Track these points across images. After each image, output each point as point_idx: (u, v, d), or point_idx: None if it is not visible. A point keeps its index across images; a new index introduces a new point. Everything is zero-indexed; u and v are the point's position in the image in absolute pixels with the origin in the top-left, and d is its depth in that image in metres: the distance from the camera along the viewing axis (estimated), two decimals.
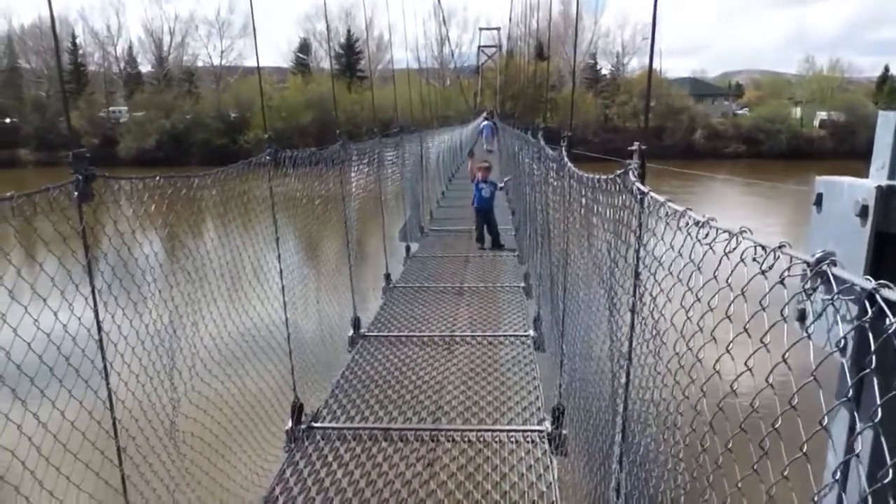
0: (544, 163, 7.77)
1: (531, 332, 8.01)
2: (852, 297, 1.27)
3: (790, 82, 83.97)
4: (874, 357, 1.19)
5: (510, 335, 8.10)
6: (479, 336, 8.09)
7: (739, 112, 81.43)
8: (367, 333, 8.22)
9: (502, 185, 15.56)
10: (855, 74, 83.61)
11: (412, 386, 6.65)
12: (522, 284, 10.28)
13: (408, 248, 13.32)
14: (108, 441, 3.20)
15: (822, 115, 73.18)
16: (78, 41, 74.78)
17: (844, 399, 1.29)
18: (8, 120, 67.14)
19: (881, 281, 1.17)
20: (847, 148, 66.01)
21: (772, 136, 69.10)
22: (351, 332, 8.03)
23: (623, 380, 3.25)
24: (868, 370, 1.20)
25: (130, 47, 78.36)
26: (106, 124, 68.00)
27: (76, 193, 2.88)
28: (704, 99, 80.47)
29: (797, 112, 74.49)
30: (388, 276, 10.64)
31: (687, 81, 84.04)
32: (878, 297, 1.16)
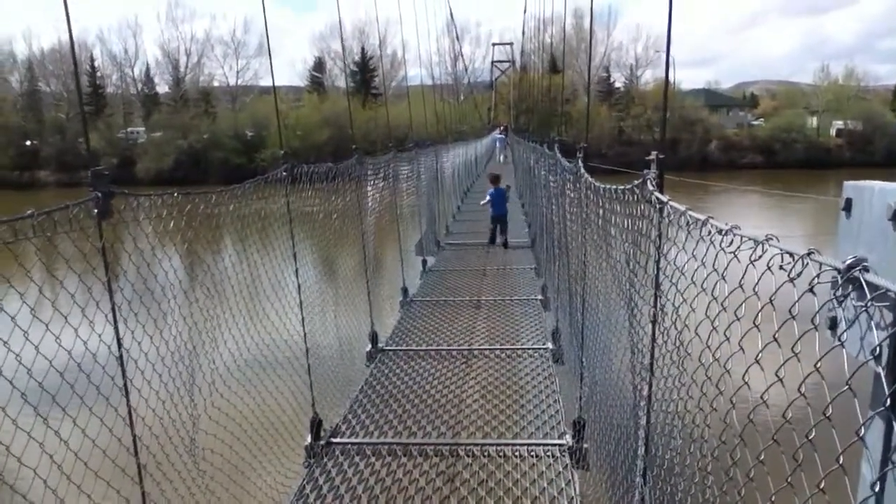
0: (560, 175, 7.75)
1: (550, 345, 7.96)
2: (887, 303, 1.24)
3: (805, 92, 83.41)
4: None
5: (528, 348, 8.05)
6: (497, 349, 8.05)
7: (755, 123, 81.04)
8: (385, 348, 8.20)
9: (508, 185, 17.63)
10: (871, 83, 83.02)
11: (431, 400, 6.62)
12: (540, 297, 10.24)
13: (424, 262, 13.31)
14: (129, 458, 3.19)
15: (839, 124, 72.65)
16: (96, 63, 75.81)
17: (881, 409, 1.25)
18: (28, 142, 68.09)
19: None
20: (865, 157, 65.52)
21: (788, 146, 68.67)
22: (369, 347, 8.02)
23: (645, 392, 3.21)
24: None
25: (148, 68, 79.41)
26: (124, 145, 68.78)
27: (96, 210, 2.89)
28: (719, 110, 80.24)
29: (813, 121, 74.00)
30: (405, 290, 10.63)
31: (701, 93, 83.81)
32: None
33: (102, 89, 75.65)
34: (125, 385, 3.06)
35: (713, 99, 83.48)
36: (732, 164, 67.53)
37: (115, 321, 3.02)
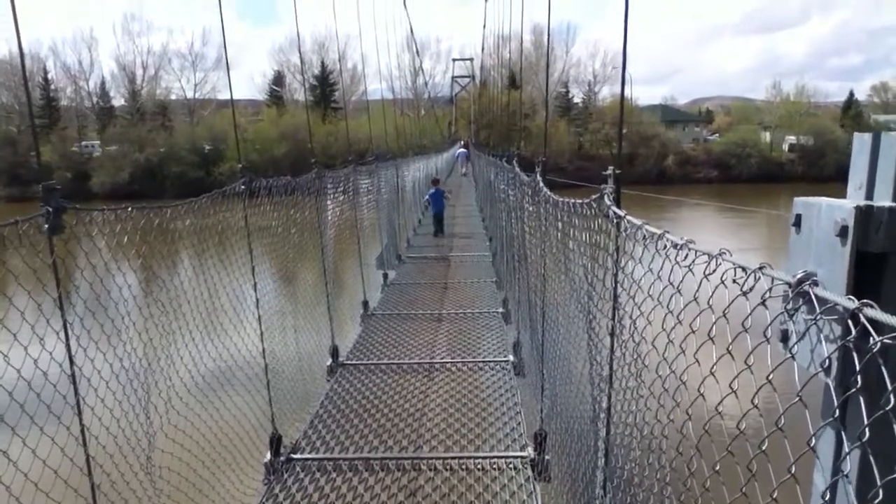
0: (519, 188, 7.80)
1: (511, 358, 7.99)
2: (835, 317, 1.27)
3: (759, 108, 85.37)
4: (859, 376, 1.19)
5: (490, 361, 8.07)
6: (458, 363, 8.04)
7: (710, 138, 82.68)
8: (345, 362, 8.14)
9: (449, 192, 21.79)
10: (821, 99, 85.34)
11: (392, 414, 6.58)
12: (501, 310, 10.27)
13: (385, 276, 13.28)
14: (82, 478, 3.11)
15: (791, 139, 74.51)
16: (49, 76, 74.28)
17: (831, 419, 1.28)
18: None
19: (864, 300, 1.17)
20: (816, 171, 67.20)
21: (742, 161, 70.17)
22: (329, 361, 7.95)
23: (605, 404, 3.23)
24: (854, 390, 1.19)
25: (103, 81, 77.83)
26: (79, 159, 67.41)
27: (46, 226, 2.82)
28: (675, 125, 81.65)
29: (766, 137, 75.78)
30: (365, 304, 10.58)
31: (658, 108, 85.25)
32: (861, 316, 1.16)
33: (56, 102, 74.05)
34: (78, 403, 2.99)
35: (669, 115, 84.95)
36: (688, 178, 68.73)
37: (67, 338, 2.94)
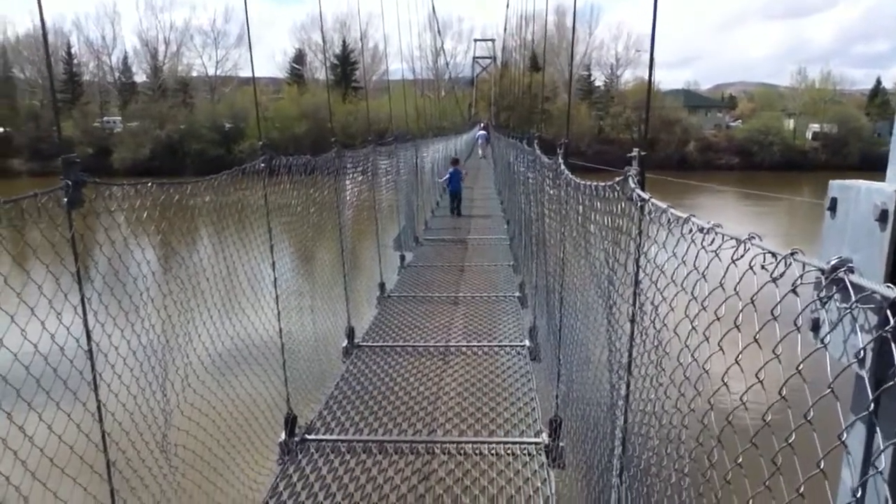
0: (540, 171, 7.73)
1: (527, 342, 7.95)
2: (871, 305, 1.22)
3: (783, 94, 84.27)
4: None
5: (506, 345, 8.04)
6: (474, 346, 8.02)
7: (733, 124, 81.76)
8: (361, 343, 8.14)
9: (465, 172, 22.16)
10: (847, 87, 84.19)
11: (407, 397, 6.58)
12: (518, 294, 10.23)
13: (402, 258, 13.26)
14: (97, 455, 3.12)
15: (815, 127, 73.53)
16: (73, 51, 74.76)
17: (864, 413, 1.23)
18: (1, 129, 66.92)
19: None
20: (840, 160, 66.37)
21: (765, 148, 69.38)
22: (345, 342, 7.96)
23: (623, 391, 3.19)
24: (891, 383, 1.14)
25: (125, 57, 78.34)
26: (100, 134, 67.86)
27: (66, 199, 2.81)
28: (698, 111, 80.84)
29: (790, 124, 74.81)
30: (382, 286, 10.57)
31: (680, 93, 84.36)
32: None
33: (78, 77, 74.51)
34: (94, 380, 2.99)
35: (692, 100, 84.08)
36: (710, 164, 68.13)
37: (85, 313, 2.94)
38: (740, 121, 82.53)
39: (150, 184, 3.53)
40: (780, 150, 69.70)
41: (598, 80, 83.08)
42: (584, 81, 79.99)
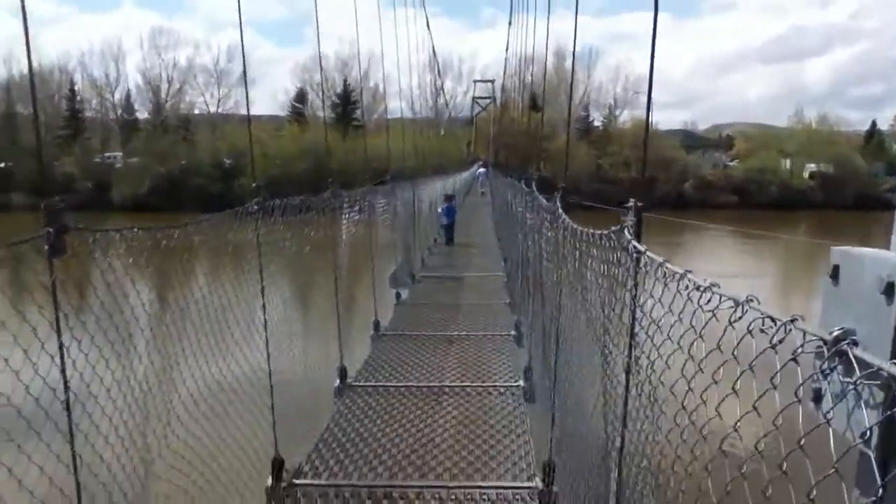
0: (538, 213, 7.69)
1: (521, 383, 7.83)
2: (878, 382, 1.14)
3: (779, 135, 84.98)
4: None
5: (500, 386, 7.91)
6: (468, 387, 7.89)
7: (730, 164, 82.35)
8: (353, 383, 8.01)
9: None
10: (843, 128, 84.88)
11: (398, 440, 6.44)
12: (513, 332, 10.12)
13: (398, 295, 13.17)
14: None
15: (812, 166, 74.10)
16: (76, 87, 75.41)
17: (873, 499, 1.15)
18: (2, 164, 67.12)
19: None
20: (837, 199, 66.76)
21: (762, 187, 69.84)
22: (337, 382, 7.83)
23: (618, 443, 3.10)
24: None
25: (128, 94, 78.85)
26: (101, 169, 68.07)
27: (47, 247, 2.74)
28: (695, 150, 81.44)
29: (787, 164, 75.36)
30: (377, 324, 10.45)
31: (678, 133, 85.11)
32: None
33: (81, 113, 75.05)
34: (70, 429, 2.88)
35: (690, 140, 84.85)
36: (707, 203, 68.40)
37: (63, 361, 2.84)
38: (737, 160, 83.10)
39: (135, 229, 3.46)
40: (778, 188, 70.20)
41: (597, 120, 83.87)
42: (583, 122, 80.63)
